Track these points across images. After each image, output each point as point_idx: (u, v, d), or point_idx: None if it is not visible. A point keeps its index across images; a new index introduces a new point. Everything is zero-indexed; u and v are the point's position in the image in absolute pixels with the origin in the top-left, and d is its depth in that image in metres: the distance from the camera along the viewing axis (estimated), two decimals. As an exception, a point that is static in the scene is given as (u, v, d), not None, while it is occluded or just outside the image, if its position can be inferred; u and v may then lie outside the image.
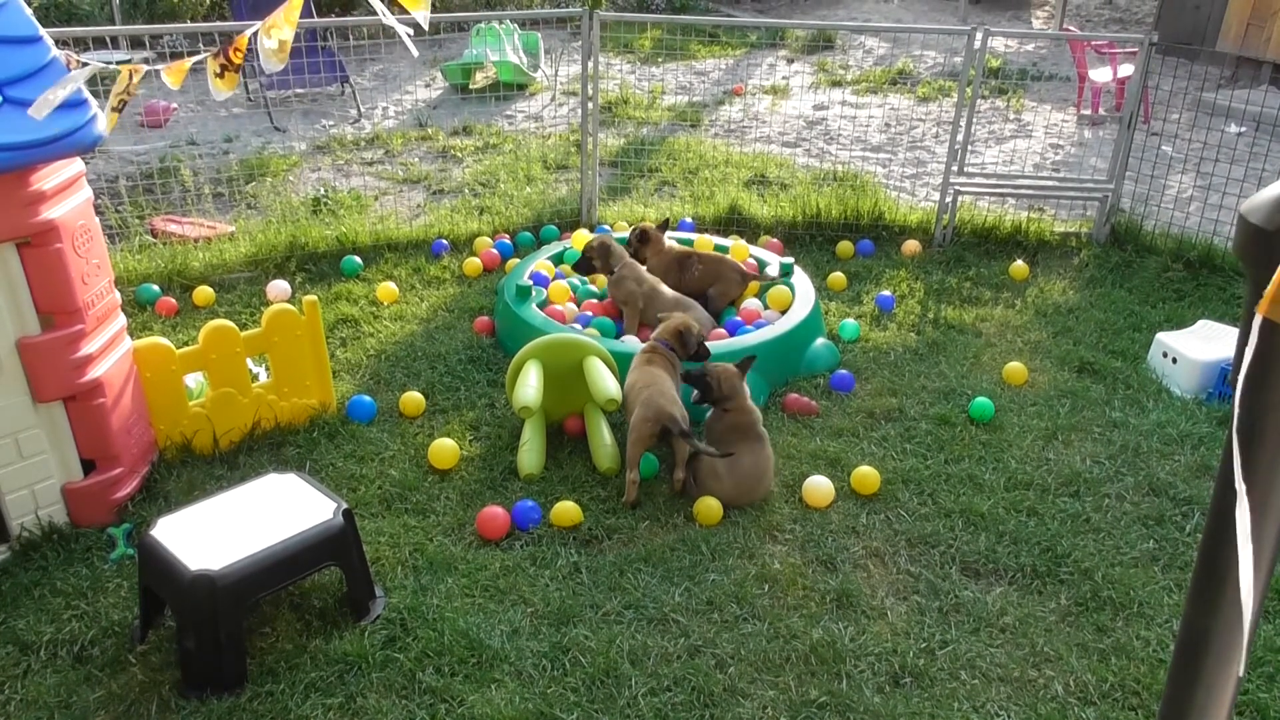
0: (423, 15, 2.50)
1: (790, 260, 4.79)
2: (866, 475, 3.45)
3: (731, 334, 4.24)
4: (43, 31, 2.95)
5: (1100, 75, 8.25)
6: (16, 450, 3.00)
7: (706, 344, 3.77)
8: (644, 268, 4.49)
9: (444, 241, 5.59)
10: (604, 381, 3.50)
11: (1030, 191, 6.12)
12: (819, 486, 3.40)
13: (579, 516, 3.27)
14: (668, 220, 5.02)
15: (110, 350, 3.19)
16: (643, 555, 3.12)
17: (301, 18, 2.78)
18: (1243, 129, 7.54)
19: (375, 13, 2.69)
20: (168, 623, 2.78)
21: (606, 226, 5.68)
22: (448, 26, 10.27)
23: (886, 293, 5.01)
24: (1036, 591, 3.01)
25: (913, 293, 5.12)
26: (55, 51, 2.95)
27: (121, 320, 3.32)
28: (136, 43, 8.75)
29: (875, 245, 5.65)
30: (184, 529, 2.70)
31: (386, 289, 4.97)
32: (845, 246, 5.62)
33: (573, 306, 4.52)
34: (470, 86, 9.19)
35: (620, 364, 3.72)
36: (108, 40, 7.56)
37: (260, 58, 2.66)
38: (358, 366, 4.31)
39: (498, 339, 4.52)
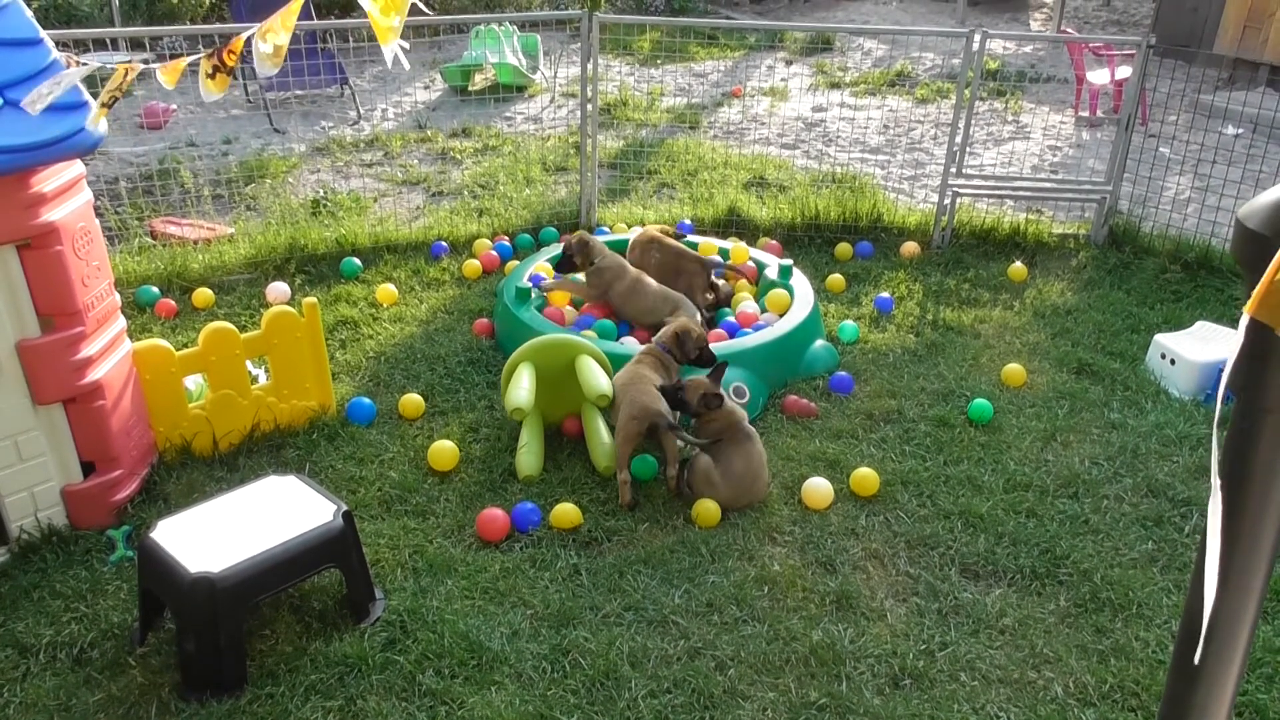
0: (388, 50, 2.49)
1: (789, 262, 4.79)
2: (866, 477, 3.45)
3: (730, 335, 4.24)
4: (43, 34, 2.96)
5: (1098, 77, 8.27)
6: (16, 452, 3.00)
7: (710, 349, 3.74)
8: (627, 262, 4.47)
9: (443, 243, 5.59)
10: (595, 378, 3.51)
11: (1028, 193, 6.14)
12: (818, 488, 3.40)
13: (578, 518, 3.27)
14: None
15: (110, 352, 3.20)
16: (642, 557, 3.12)
17: (301, 19, 2.78)
18: (1240, 131, 7.55)
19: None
20: (167, 625, 2.78)
21: (605, 228, 5.69)
22: (447, 28, 10.28)
23: (885, 294, 5.02)
24: (1036, 593, 3.01)
25: (911, 294, 5.13)
26: (56, 54, 2.95)
27: (121, 322, 3.32)
28: (136, 44, 8.75)
29: (874, 247, 5.66)
30: (184, 531, 2.70)
31: (386, 291, 4.97)
32: (844, 248, 5.63)
33: (570, 310, 4.52)
34: (469, 88, 9.19)
35: (616, 365, 3.73)
36: (108, 42, 7.56)
37: (255, 61, 2.66)
38: (357, 368, 4.31)
39: (497, 341, 4.52)
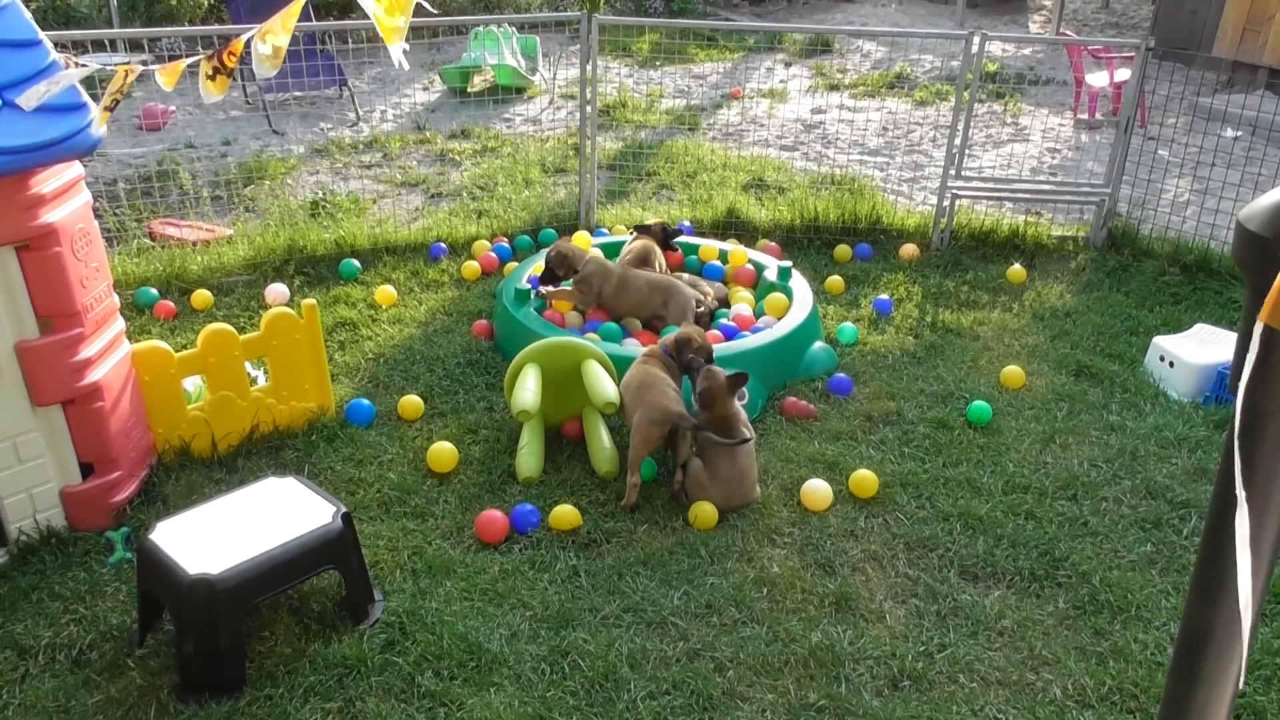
0: (395, 49, 2.49)
1: (788, 264, 4.79)
2: (865, 479, 3.46)
3: (729, 338, 4.24)
4: (42, 35, 2.96)
5: (1097, 80, 8.28)
6: (15, 454, 3.00)
7: (708, 359, 3.66)
8: (609, 261, 4.44)
9: (442, 245, 5.59)
10: (602, 384, 3.51)
11: (1027, 195, 6.14)
12: (817, 490, 3.40)
13: (578, 520, 3.27)
14: (665, 225, 4.98)
15: (109, 354, 3.19)
16: (641, 559, 3.12)
17: (299, 21, 2.78)
18: (1239, 133, 7.57)
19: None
20: (166, 627, 2.77)
21: (605, 229, 5.69)
22: (446, 30, 10.28)
23: (884, 296, 5.02)
24: (1034, 595, 3.01)
25: (910, 296, 5.13)
26: (55, 55, 2.95)
27: (120, 324, 3.32)
28: (135, 45, 8.75)
29: (873, 249, 5.66)
30: (183, 533, 2.70)
31: (385, 292, 4.97)
32: (843, 250, 5.63)
33: (576, 314, 4.51)
34: (468, 90, 9.20)
35: (620, 368, 3.72)
36: (106, 43, 7.56)
37: (253, 63, 2.66)
38: (356, 370, 4.31)
39: (496, 342, 4.52)
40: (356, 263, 5.30)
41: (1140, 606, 2.95)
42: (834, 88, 9.56)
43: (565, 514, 3.26)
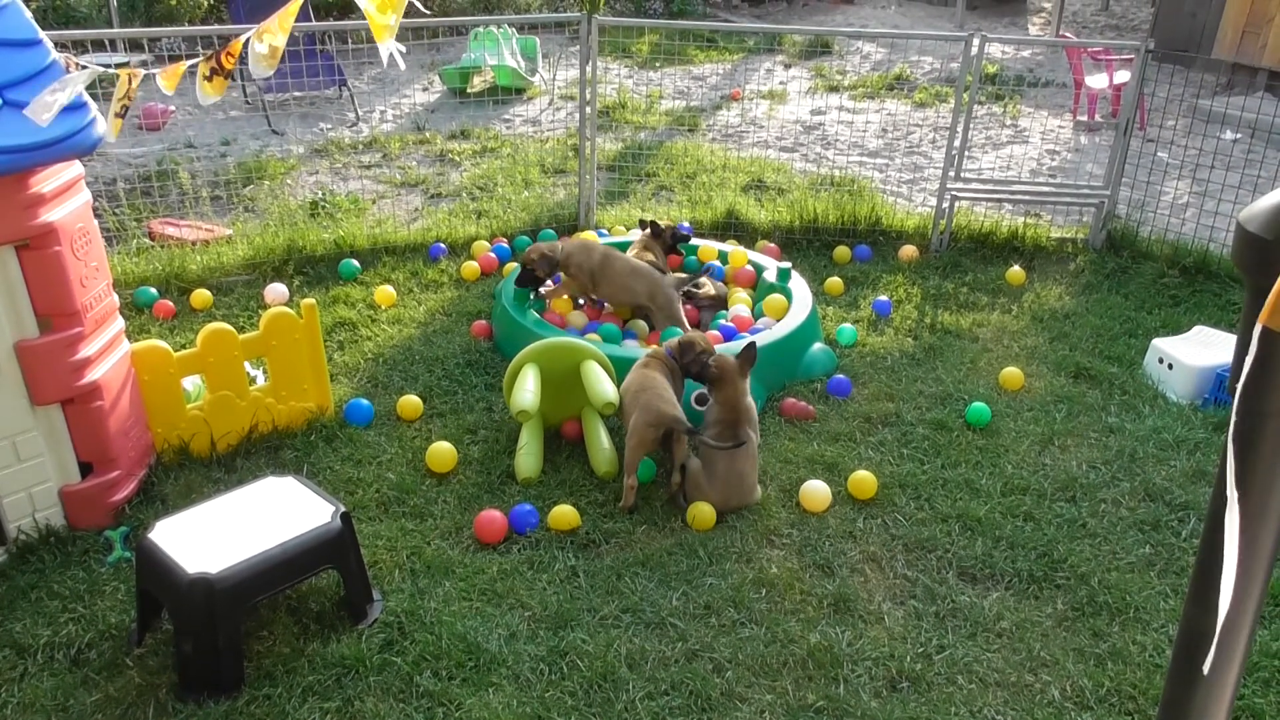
0: (385, 48, 2.49)
1: (787, 265, 4.80)
2: (863, 480, 3.46)
3: (728, 339, 4.24)
4: (42, 34, 2.96)
5: (1096, 82, 8.29)
6: (14, 453, 3.00)
7: (709, 365, 3.62)
8: (587, 244, 4.42)
9: (442, 245, 5.59)
10: (601, 385, 3.51)
11: (1027, 197, 6.15)
12: (816, 491, 3.40)
13: (576, 520, 3.27)
14: (654, 222, 4.96)
15: (108, 353, 3.19)
16: (640, 559, 3.12)
17: (299, 21, 2.78)
18: (1238, 136, 7.58)
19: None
20: (165, 626, 2.77)
21: (605, 230, 5.69)
22: (446, 31, 10.28)
23: (883, 298, 5.03)
24: (1033, 596, 3.02)
25: (909, 298, 5.14)
26: (55, 54, 2.95)
27: (120, 323, 3.32)
28: (135, 45, 8.75)
29: (872, 250, 5.67)
30: (182, 532, 2.70)
31: (384, 292, 4.97)
32: (842, 251, 5.64)
33: (577, 314, 4.51)
34: (468, 90, 9.20)
35: (619, 369, 3.73)
36: (106, 43, 7.56)
37: (250, 62, 2.66)
38: (355, 370, 4.31)
39: (495, 343, 4.52)
40: (356, 263, 5.30)
41: (1139, 608, 2.95)
42: (833, 89, 9.57)
43: (564, 514, 3.26)
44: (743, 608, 2.92)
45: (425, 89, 9.53)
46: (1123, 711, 2.61)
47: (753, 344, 3.50)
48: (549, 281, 4.50)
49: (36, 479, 3.08)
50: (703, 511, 3.29)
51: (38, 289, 2.94)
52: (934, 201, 6.04)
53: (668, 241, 4.84)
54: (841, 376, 4.22)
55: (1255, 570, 0.74)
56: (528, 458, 3.53)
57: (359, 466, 3.58)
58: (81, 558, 3.08)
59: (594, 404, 3.53)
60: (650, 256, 4.70)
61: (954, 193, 5.71)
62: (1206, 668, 0.70)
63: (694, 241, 5.22)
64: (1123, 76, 7.99)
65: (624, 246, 4.87)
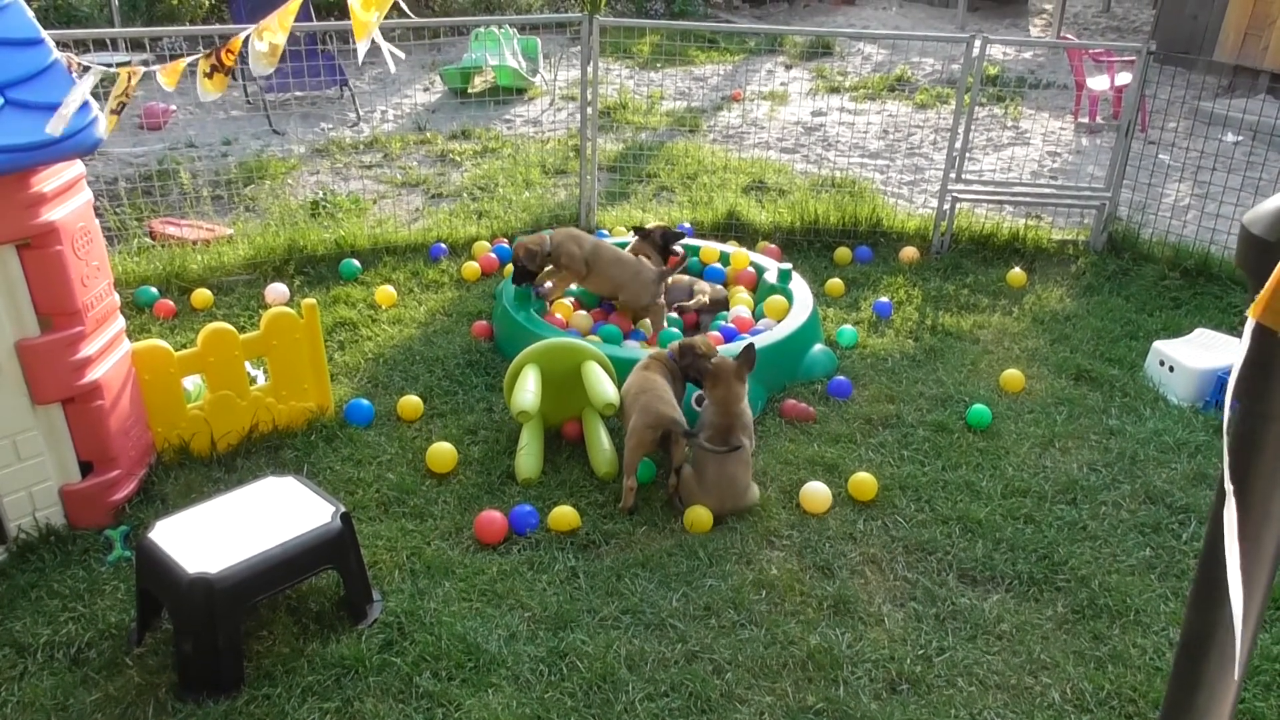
0: (363, 45, 2.51)
1: (788, 266, 4.80)
2: (864, 481, 3.45)
3: (728, 340, 4.24)
4: (44, 34, 2.96)
5: (1098, 83, 8.29)
6: (14, 452, 3.00)
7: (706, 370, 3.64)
8: (576, 235, 4.42)
9: (442, 245, 5.59)
10: (602, 386, 3.51)
11: (1028, 199, 6.15)
12: (816, 493, 3.40)
13: (576, 521, 3.27)
14: (639, 226, 4.94)
15: (109, 352, 3.19)
16: (640, 560, 3.12)
17: (300, 21, 2.79)
18: (1240, 138, 7.57)
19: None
20: (165, 625, 2.77)
21: (605, 231, 5.69)
22: (447, 31, 10.29)
23: (884, 299, 5.02)
24: (1033, 599, 3.01)
25: (910, 299, 5.13)
26: (56, 54, 2.95)
27: (120, 322, 3.32)
28: (136, 45, 8.75)
29: (873, 252, 5.67)
30: (182, 532, 2.70)
31: (385, 292, 4.97)
32: (843, 253, 5.63)
33: (580, 314, 4.50)
34: (469, 91, 9.20)
35: (620, 370, 3.73)
36: (107, 42, 7.56)
37: (250, 60, 2.66)
38: (356, 370, 4.31)
39: (496, 343, 4.52)
40: (356, 263, 5.30)
41: (1139, 611, 2.95)
42: (834, 90, 9.57)
43: (564, 515, 3.26)
44: (742, 609, 2.92)
45: (426, 89, 9.54)
46: (1123, 714, 2.60)
47: (751, 346, 3.49)
48: (548, 283, 4.49)
49: (37, 478, 3.08)
50: (699, 515, 3.28)
51: (39, 288, 2.94)
52: (935, 203, 6.03)
53: (657, 241, 4.83)
54: (842, 378, 4.22)
55: (1258, 573, 0.74)
56: (528, 458, 3.53)
57: (359, 467, 3.58)
58: (81, 557, 3.08)
59: (594, 405, 3.53)
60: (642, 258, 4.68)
61: (955, 194, 5.71)
62: (1237, 674, 0.70)
63: (695, 242, 5.22)
64: (1124, 78, 7.99)
65: (622, 247, 4.88)
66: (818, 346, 4.39)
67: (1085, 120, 8.46)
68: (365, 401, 3.91)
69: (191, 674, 2.57)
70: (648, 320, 4.48)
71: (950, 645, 2.81)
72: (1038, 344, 4.68)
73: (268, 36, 2.67)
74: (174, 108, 7.89)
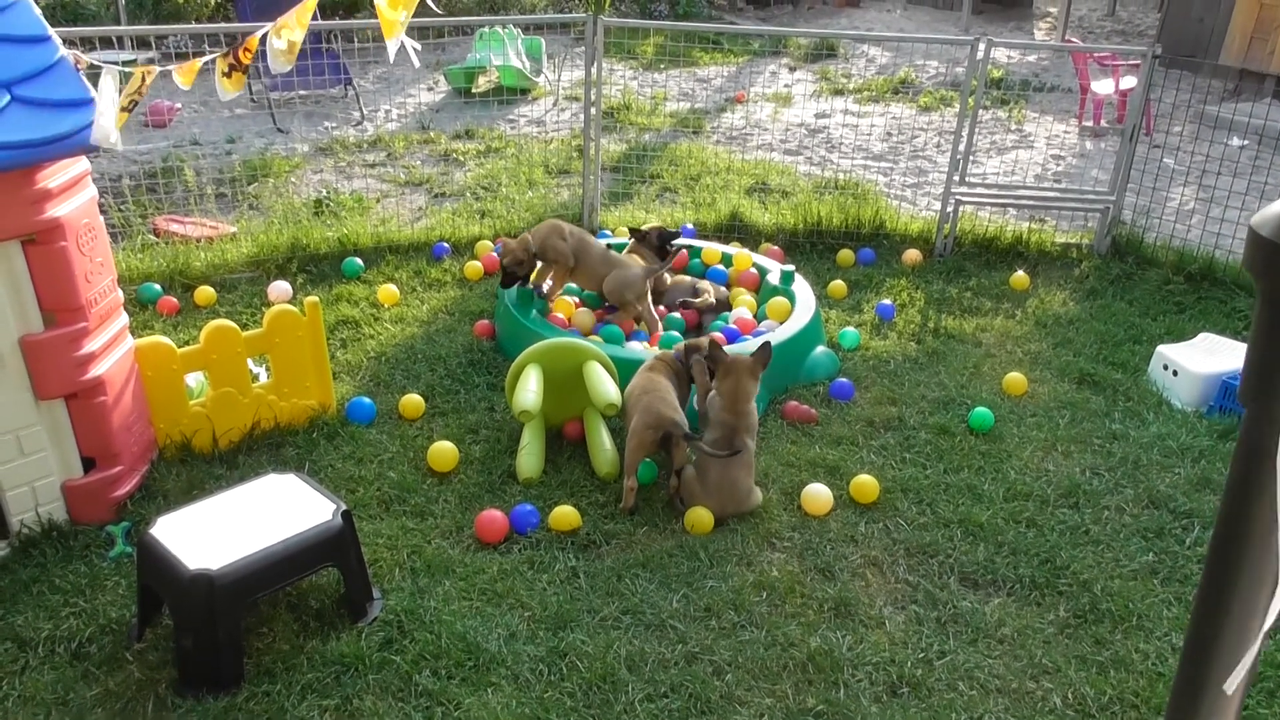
0: (393, 44, 2.52)
1: (791, 268, 4.79)
2: (865, 484, 3.45)
3: (730, 341, 4.24)
4: (51, 31, 2.96)
5: (1102, 87, 8.28)
6: (17, 447, 3.00)
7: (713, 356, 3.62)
8: (565, 228, 4.41)
9: (445, 245, 5.59)
10: (604, 386, 3.51)
11: (1031, 202, 6.14)
12: (818, 495, 3.39)
13: (577, 521, 3.26)
14: (662, 230, 4.93)
15: (112, 349, 3.20)
16: (641, 561, 3.12)
17: (307, 20, 2.79)
18: (1245, 142, 7.56)
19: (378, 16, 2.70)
20: (165, 621, 2.77)
21: (608, 231, 5.69)
22: (451, 30, 10.29)
23: (887, 301, 5.02)
24: (1035, 603, 3.01)
25: (913, 302, 5.13)
26: (63, 51, 2.96)
27: (124, 319, 3.32)
28: (142, 43, 8.77)
29: (876, 254, 5.66)
30: (183, 528, 2.70)
31: (387, 291, 4.97)
32: (846, 255, 5.63)
33: (583, 313, 4.50)
34: (473, 90, 9.21)
35: (622, 370, 3.72)
36: (114, 40, 7.57)
37: (268, 58, 2.67)
38: (358, 368, 4.31)
39: (498, 343, 4.52)
40: (359, 261, 5.31)
41: (1142, 616, 2.94)
42: (838, 92, 9.56)
43: (565, 515, 3.25)
44: (743, 611, 2.92)
45: (430, 88, 9.54)
46: None
47: (768, 343, 3.49)
48: (546, 282, 4.49)
49: (39, 473, 3.08)
50: (699, 516, 3.28)
51: (43, 284, 2.95)
52: (938, 205, 6.03)
53: (654, 242, 4.83)
54: (844, 380, 4.21)
55: (1264, 578, 0.73)
56: (529, 458, 3.53)
57: (360, 465, 3.58)
58: (83, 552, 3.08)
59: (596, 405, 3.53)
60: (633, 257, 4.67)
61: (958, 197, 5.70)
62: (1230, 687, 0.69)
63: (697, 243, 5.22)
64: (1129, 82, 7.97)
65: (621, 248, 4.88)
66: (820, 348, 4.39)
67: (1089, 124, 8.45)
68: (367, 400, 3.91)
69: (191, 670, 2.57)
70: (645, 322, 4.47)
71: (951, 649, 2.80)
72: (1040, 347, 4.67)
73: (286, 34, 2.67)
74: (179, 105, 7.90)
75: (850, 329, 4.68)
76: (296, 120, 8.14)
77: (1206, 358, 4.23)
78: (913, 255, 5.59)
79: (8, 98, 2.77)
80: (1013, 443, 3.84)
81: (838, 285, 5.19)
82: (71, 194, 3.03)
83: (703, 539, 3.23)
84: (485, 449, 3.71)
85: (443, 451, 3.55)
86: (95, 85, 2.91)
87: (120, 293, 3.33)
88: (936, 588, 3.05)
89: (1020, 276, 5.33)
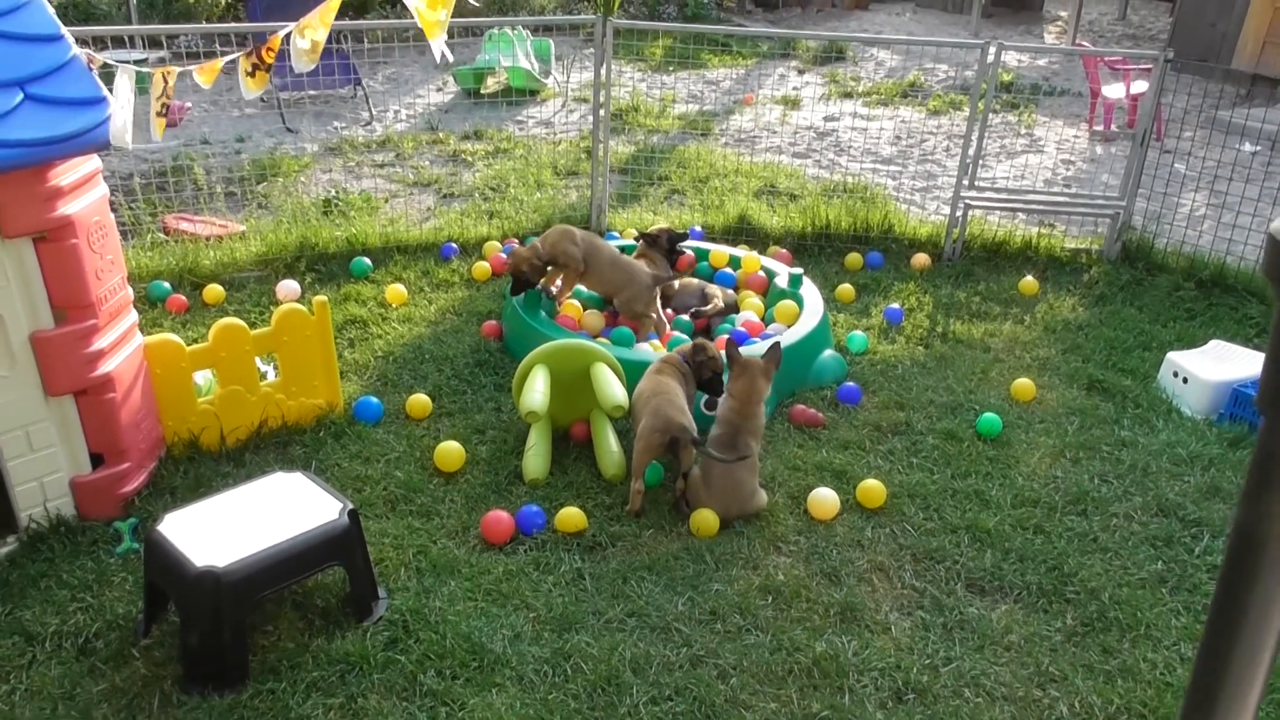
0: (437, 45, 2.53)
1: (799, 271, 4.78)
2: (872, 488, 3.44)
3: (739, 344, 4.22)
4: (64, 30, 2.98)
5: (1113, 91, 8.24)
6: (27, 442, 3.02)
7: (715, 372, 3.61)
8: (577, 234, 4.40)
9: (453, 245, 5.60)
10: (611, 388, 3.50)
11: (1041, 207, 6.11)
12: (824, 499, 3.38)
13: (583, 523, 3.26)
14: (671, 232, 4.92)
15: (121, 346, 3.21)
16: (646, 563, 3.11)
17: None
18: (1257, 148, 7.52)
19: (390, 16, 2.71)
20: (171, 618, 2.78)
21: (615, 233, 5.69)
22: (460, 31, 10.32)
23: (895, 305, 5.00)
24: (1042, 610, 2.99)
25: (921, 306, 5.11)
26: (75, 50, 2.97)
27: (133, 316, 3.34)
28: (153, 42, 8.81)
29: (884, 258, 5.65)
30: (190, 525, 2.71)
31: (395, 291, 4.98)
32: (854, 258, 5.62)
33: (592, 315, 4.50)
34: (482, 91, 9.23)
35: (630, 373, 3.72)
36: (125, 39, 7.62)
37: (291, 58, 2.68)
38: (365, 368, 4.32)
39: (505, 343, 4.52)
40: (368, 261, 5.32)
41: (1150, 625, 2.92)
42: (847, 95, 9.55)
43: (571, 516, 3.25)
44: (748, 614, 2.91)
45: (439, 89, 9.57)
46: (1131, 728, 2.58)
47: (777, 344, 3.49)
48: (556, 283, 4.49)
49: (48, 469, 3.09)
50: (705, 519, 3.27)
51: (54, 281, 2.96)
52: (947, 210, 6.01)
53: (664, 245, 4.83)
54: (851, 384, 4.20)
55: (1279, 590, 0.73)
56: (536, 459, 3.53)
57: (367, 464, 3.59)
58: (91, 548, 3.09)
59: (603, 406, 3.52)
60: (649, 263, 4.67)
61: (967, 201, 5.68)
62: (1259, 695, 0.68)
63: (705, 246, 5.21)
64: (1140, 86, 7.94)
65: (629, 250, 4.87)
66: (828, 352, 4.38)
67: (1100, 128, 8.42)
68: (374, 399, 3.92)
69: (197, 667, 2.58)
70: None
71: (957, 655, 2.79)
72: (1049, 353, 4.65)
73: (309, 33, 2.68)
74: (189, 104, 7.93)
75: (858, 333, 4.67)
76: (306, 120, 8.16)
77: (1217, 365, 4.20)
78: (921, 259, 5.57)
79: (21, 96, 2.79)
80: (1021, 449, 3.82)
81: (846, 289, 5.18)
82: (83, 192, 3.04)
83: (708, 542, 3.22)
84: (492, 449, 3.71)
85: (449, 451, 3.55)
86: (109, 85, 2.93)
87: (130, 290, 3.34)
88: (943, 594, 3.03)
89: (1029, 281, 5.31)
